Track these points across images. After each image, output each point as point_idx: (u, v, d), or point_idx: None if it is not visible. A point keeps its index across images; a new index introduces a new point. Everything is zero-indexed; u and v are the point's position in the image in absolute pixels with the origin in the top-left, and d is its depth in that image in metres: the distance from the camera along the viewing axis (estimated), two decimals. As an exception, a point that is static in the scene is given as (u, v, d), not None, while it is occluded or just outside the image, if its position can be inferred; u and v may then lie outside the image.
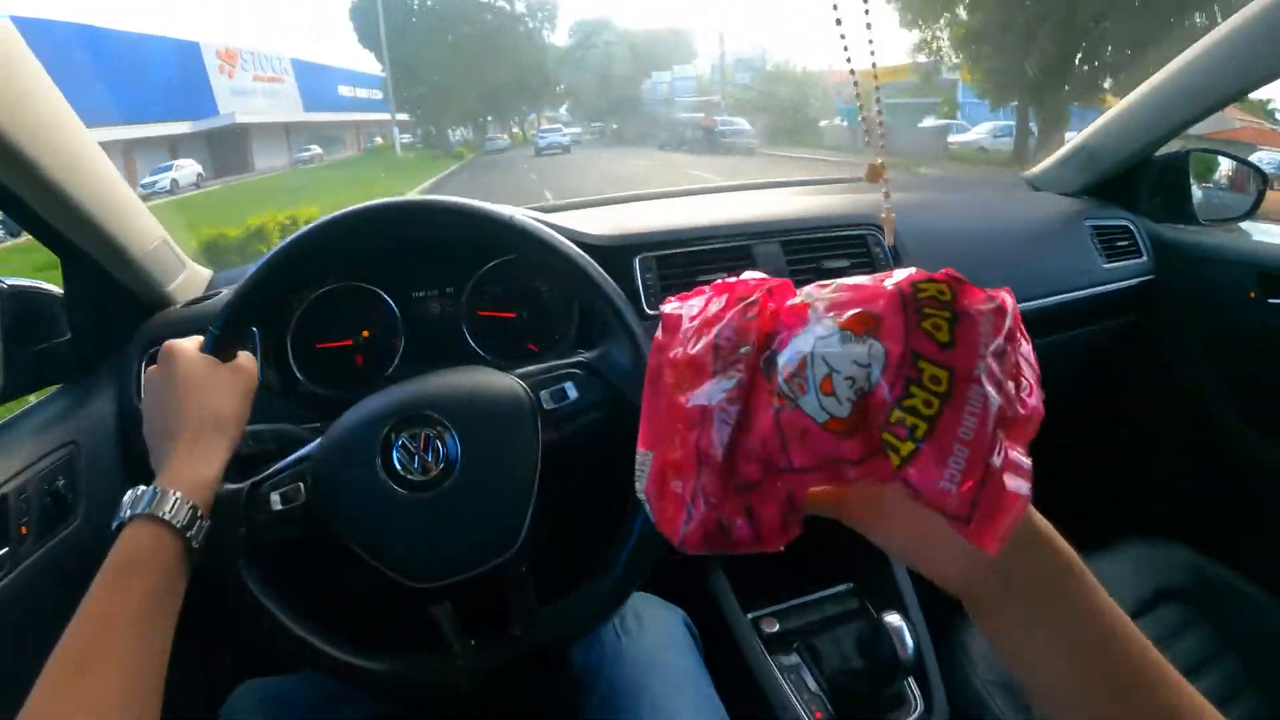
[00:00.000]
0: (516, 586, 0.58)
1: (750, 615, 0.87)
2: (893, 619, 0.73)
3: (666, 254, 0.84)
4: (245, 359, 0.61)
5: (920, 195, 1.07)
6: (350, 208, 0.62)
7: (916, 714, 0.83)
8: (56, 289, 0.84)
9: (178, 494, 0.50)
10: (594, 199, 0.95)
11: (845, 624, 0.87)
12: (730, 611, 0.84)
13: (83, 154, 0.74)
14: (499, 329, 0.85)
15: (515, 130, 28.30)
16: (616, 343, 0.61)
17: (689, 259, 0.84)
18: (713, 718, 0.67)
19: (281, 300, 0.80)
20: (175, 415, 0.54)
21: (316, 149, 20.19)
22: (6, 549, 0.66)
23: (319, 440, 0.58)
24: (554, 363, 0.62)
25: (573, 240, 0.64)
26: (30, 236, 0.78)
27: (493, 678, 0.60)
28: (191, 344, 0.59)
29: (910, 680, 0.85)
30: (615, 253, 0.83)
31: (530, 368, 0.62)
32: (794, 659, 0.85)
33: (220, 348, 0.58)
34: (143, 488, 0.50)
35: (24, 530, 0.68)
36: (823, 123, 21.99)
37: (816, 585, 0.91)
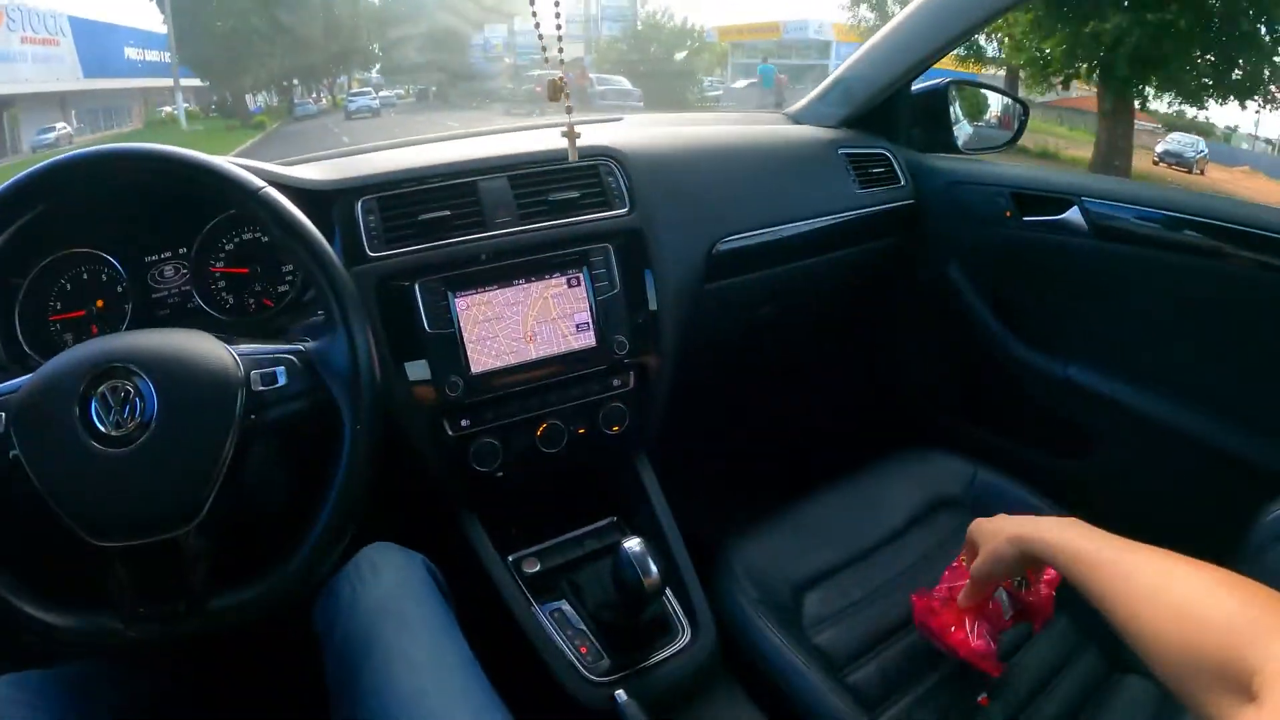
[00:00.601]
0: (190, 561, 0.56)
1: (512, 557, 0.86)
2: (631, 544, 0.73)
3: (389, 195, 0.82)
4: None
5: (665, 129, 1.08)
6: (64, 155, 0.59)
7: (684, 639, 0.83)
8: None
9: None
10: (330, 152, 0.92)
11: (605, 557, 0.87)
12: (484, 553, 0.83)
13: None
14: (234, 286, 0.84)
15: (325, 96, 24.94)
16: (337, 342, 0.60)
17: (412, 198, 0.82)
18: (450, 655, 0.66)
19: (3, 268, 0.76)
20: None
21: (64, 128, 16.51)
22: None
23: (28, 376, 0.57)
24: (272, 346, 0.62)
25: (290, 186, 0.63)
26: None
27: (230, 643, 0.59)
28: None
29: (675, 606, 0.85)
30: (336, 196, 0.81)
31: (252, 345, 0.61)
32: (558, 598, 0.84)
33: None
34: None
35: None
36: (708, 81, 20.52)
37: (579, 522, 0.91)
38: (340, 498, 0.59)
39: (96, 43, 19.36)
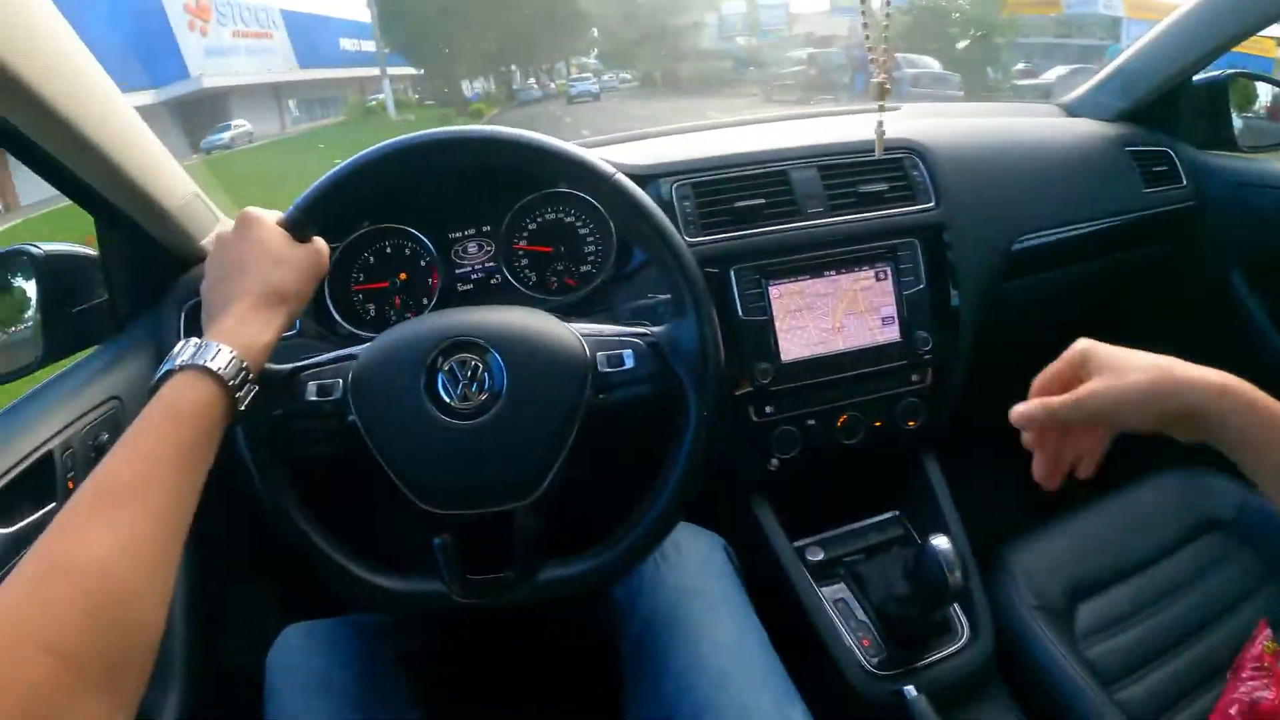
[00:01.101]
0: (524, 533, 0.57)
1: (796, 544, 0.87)
2: (940, 542, 0.72)
3: (702, 180, 0.83)
4: (320, 243, 0.59)
5: (957, 121, 1.04)
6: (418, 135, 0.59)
7: (963, 639, 0.83)
8: (91, 251, 0.84)
9: (231, 350, 0.48)
10: (626, 134, 0.94)
11: (890, 551, 0.87)
12: (775, 539, 0.84)
13: (111, 108, 0.73)
14: (537, 264, 0.86)
15: (543, 81, 24.03)
16: (684, 325, 0.60)
17: (725, 185, 0.83)
18: (752, 638, 0.67)
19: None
20: (241, 278, 0.53)
21: (243, 124, 15.82)
22: (55, 503, 0.66)
23: (367, 345, 0.59)
24: (616, 328, 0.62)
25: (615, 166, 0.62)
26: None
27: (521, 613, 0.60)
28: (270, 215, 0.57)
29: (956, 606, 0.85)
30: (650, 179, 0.82)
31: (592, 325, 0.61)
32: (839, 587, 0.85)
33: (299, 224, 0.57)
34: (194, 340, 0.48)
35: (70, 485, 0.69)
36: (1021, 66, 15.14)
37: (861, 514, 0.92)
38: (681, 481, 0.59)
39: (310, 34, 19.95)
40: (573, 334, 0.59)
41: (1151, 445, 1.18)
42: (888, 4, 0.79)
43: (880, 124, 0.77)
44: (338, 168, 0.58)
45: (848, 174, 0.86)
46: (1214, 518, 0.99)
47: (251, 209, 0.57)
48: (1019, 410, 0.56)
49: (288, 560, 0.57)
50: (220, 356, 0.47)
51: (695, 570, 0.72)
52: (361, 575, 0.56)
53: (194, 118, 16.38)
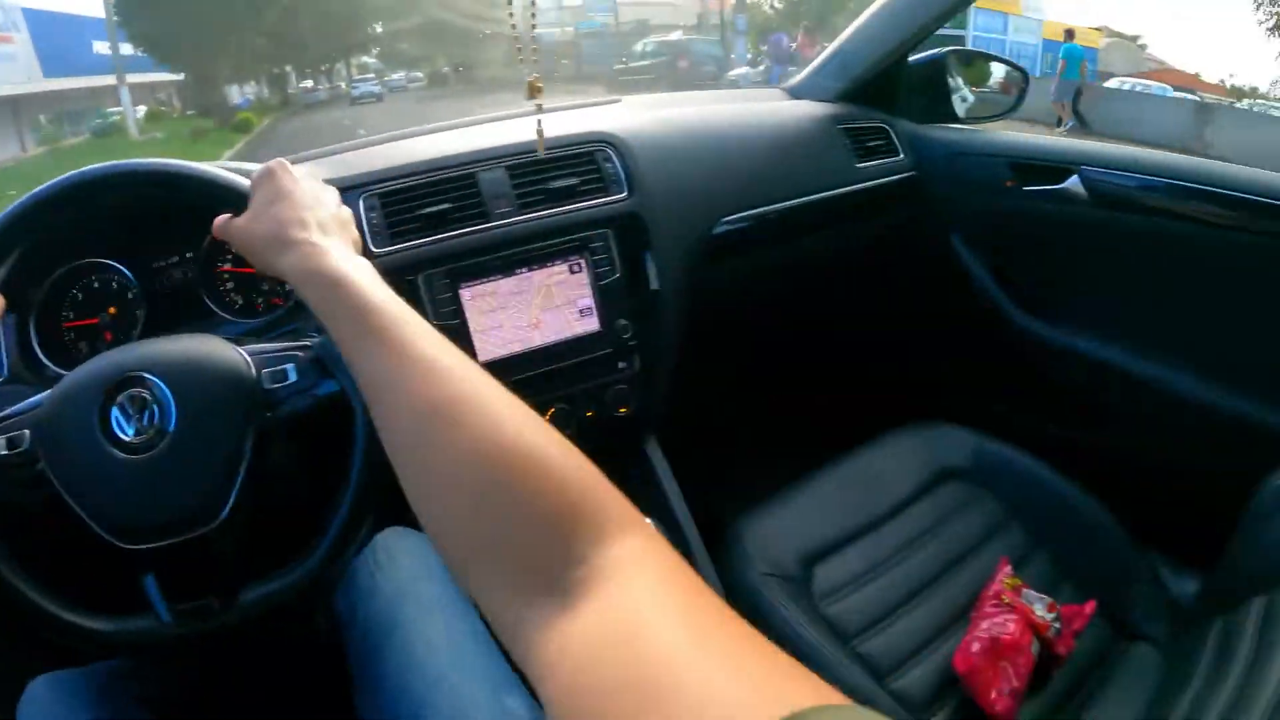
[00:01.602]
0: (218, 557, 0.59)
1: None
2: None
3: (390, 190, 0.83)
4: None
5: (663, 111, 1.07)
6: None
7: None
8: None
9: None
10: (329, 148, 0.93)
11: None
12: None
13: None
14: (242, 286, 0.85)
15: (324, 84, 21.81)
16: None
17: (413, 193, 0.83)
18: (470, 637, 0.67)
19: (18, 282, 0.78)
20: None
21: None
22: None
23: (49, 392, 0.59)
24: (281, 344, 0.63)
25: None
26: None
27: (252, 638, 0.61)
28: None
29: None
30: (343, 195, 0.81)
31: (258, 344, 0.63)
32: None
33: None
34: None
35: None
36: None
37: None
38: (357, 487, 0.60)
39: (58, 37, 16.02)
40: (238, 354, 0.60)
41: (892, 406, 1.26)
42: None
43: (539, 123, 0.78)
44: None
45: (537, 172, 0.87)
46: (950, 467, 1.04)
47: None
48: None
49: (20, 622, 0.57)
50: None
51: (409, 574, 0.72)
52: (71, 620, 0.57)
53: None
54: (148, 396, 0.57)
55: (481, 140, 0.89)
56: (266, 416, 0.59)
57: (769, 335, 1.32)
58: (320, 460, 0.66)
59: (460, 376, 0.43)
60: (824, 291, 1.29)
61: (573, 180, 0.87)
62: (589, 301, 0.86)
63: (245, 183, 0.61)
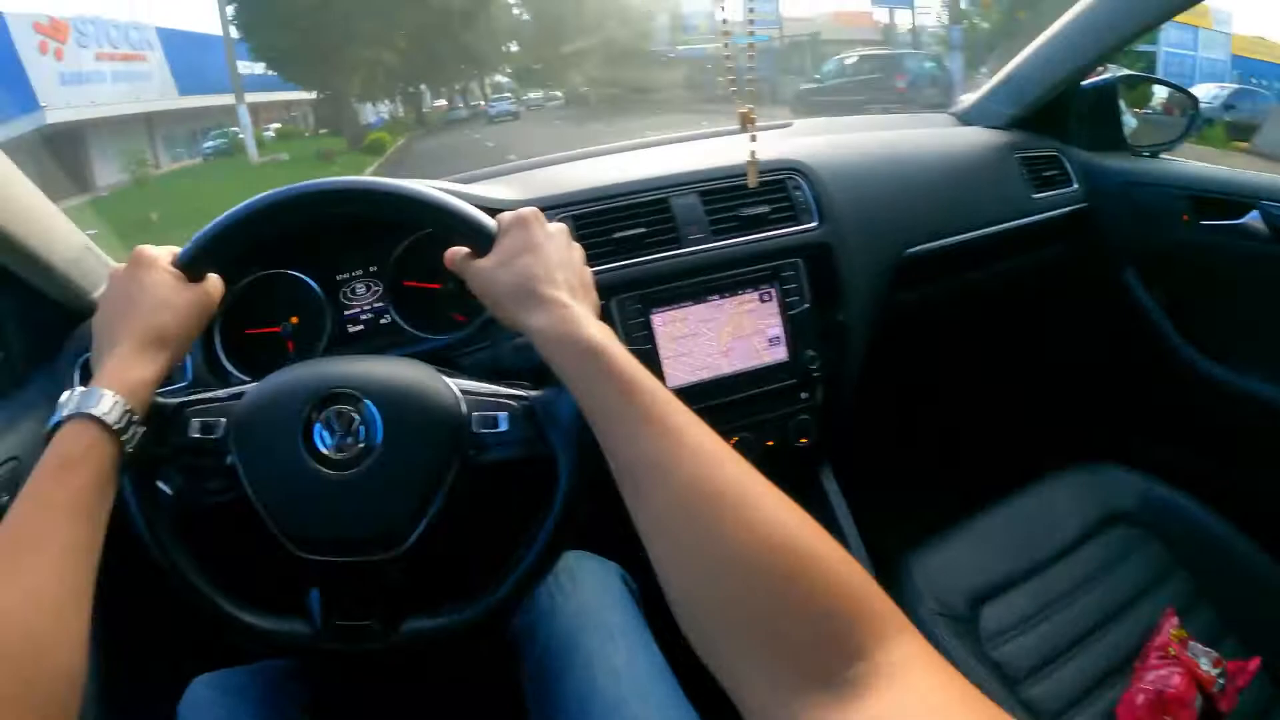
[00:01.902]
0: (390, 584, 0.59)
1: None
2: None
3: (582, 213, 0.84)
4: (213, 282, 0.60)
5: (842, 136, 1.07)
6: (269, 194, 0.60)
7: None
8: None
9: (115, 394, 0.49)
10: (507, 166, 0.95)
11: None
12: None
13: None
14: (425, 302, 0.86)
15: (464, 102, 21.15)
16: (563, 395, 0.59)
17: (606, 216, 0.84)
18: (650, 666, 0.68)
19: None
20: (126, 319, 0.54)
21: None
22: None
23: (252, 385, 0.59)
24: (494, 388, 0.62)
25: (486, 208, 0.62)
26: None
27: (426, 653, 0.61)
28: (164, 253, 0.58)
29: None
30: None
31: (471, 383, 0.61)
32: None
33: (190, 264, 0.58)
34: (80, 388, 0.49)
35: None
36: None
37: None
38: (546, 547, 0.59)
39: (193, 56, 15.90)
40: (450, 390, 0.59)
41: (1055, 444, 1.23)
42: (751, 23, 0.81)
43: (753, 154, 0.79)
44: (230, 213, 0.60)
45: (729, 198, 0.87)
46: (1117, 511, 1.01)
47: (144, 248, 0.58)
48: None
49: (183, 608, 0.57)
50: (104, 402, 0.48)
51: (591, 600, 0.73)
52: (229, 610, 0.57)
53: (47, 159, 12.85)
54: (355, 415, 0.57)
55: (672, 163, 0.89)
56: (469, 456, 0.58)
57: (941, 370, 1.30)
58: (507, 508, 0.65)
59: (727, 463, 0.43)
60: (993, 325, 1.27)
61: (764, 208, 0.88)
62: (778, 331, 0.86)
63: (493, 224, 0.60)
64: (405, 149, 14.51)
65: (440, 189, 0.64)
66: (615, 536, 0.86)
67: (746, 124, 0.79)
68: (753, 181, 0.81)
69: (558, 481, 0.58)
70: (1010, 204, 1.07)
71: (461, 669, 0.85)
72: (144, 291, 0.55)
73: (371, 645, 0.58)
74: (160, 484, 0.59)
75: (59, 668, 0.39)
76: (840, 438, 0.92)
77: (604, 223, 0.83)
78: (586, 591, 0.74)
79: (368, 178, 0.62)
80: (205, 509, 0.63)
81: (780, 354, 0.86)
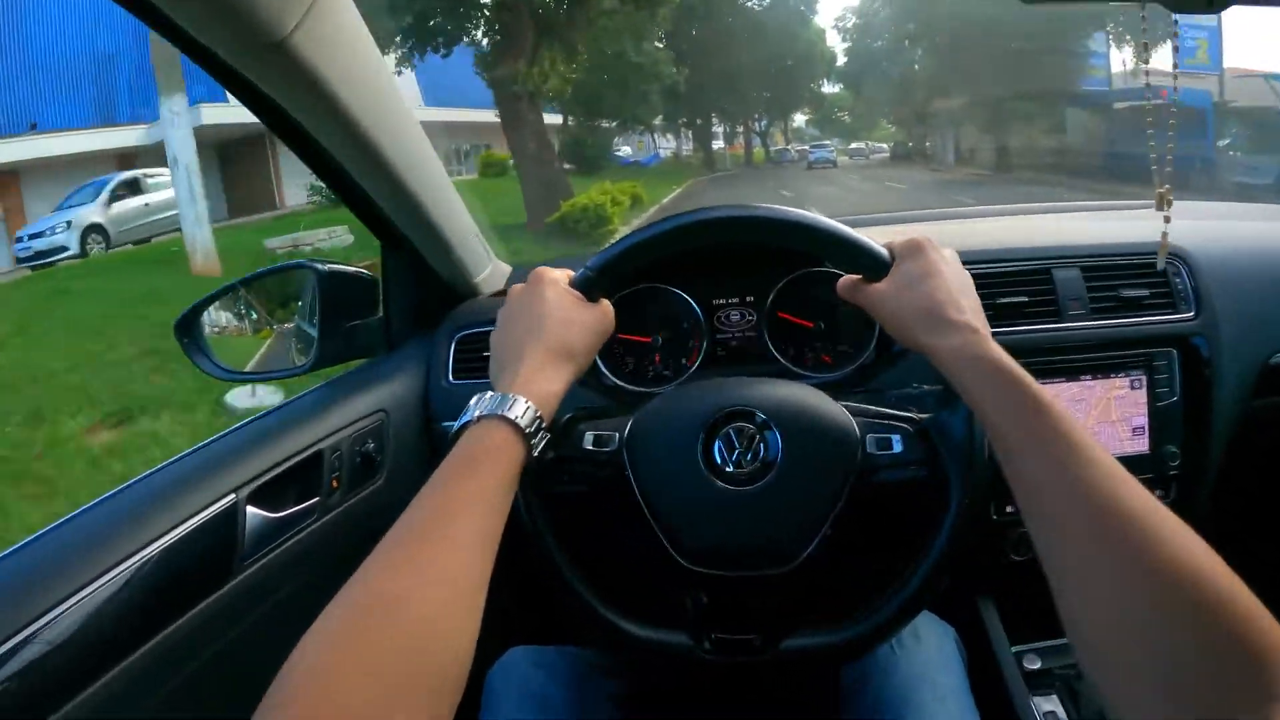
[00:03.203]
0: (772, 599, 0.60)
1: (1015, 649, 0.86)
2: None
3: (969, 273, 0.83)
4: (606, 305, 0.62)
5: (1223, 224, 1.00)
6: (720, 212, 0.62)
7: None
8: (368, 273, 0.92)
9: (528, 401, 0.51)
10: (876, 216, 0.95)
11: None
12: (997, 641, 0.84)
13: (415, 142, 0.78)
14: (797, 337, 0.87)
15: (768, 142, 19.62)
16: (956, 414, 0.59)
17: (989, 280, 0.83)
18: None
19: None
20: (534, 333, 0.57)
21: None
22: (318, 498, 0.73)
23: (650, 402, 0.62)
24: (887, 411, 0.63)
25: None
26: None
27: (743, 673, 0.62)
28: (562, 275, 0.61)
29: None
30: None
31: (862, 406, 0.63)
32: (1052, 699, 0.84)
33: (590, 285, 0.60)
34: (490, 393, 0.52)
35: (335, 484, 0.76)
36: None
37: None
38: (935, 568, 0.58)
39: (438, 68, 13.66)
40: (845, 413, 0.61)
41: None
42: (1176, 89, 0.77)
43: (1165, 235, 0.75)
44: (632, 237, 0.62)
45: (1111, 277, 0.84)
46: None
47: (544, 268, 0.61)
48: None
49: (518, 582, 0.60)
50: (517, 406, 0.51)
51: (929, 659, 0.73)
52: (609, 617, 0.59)
53: (232, 171, 14.06)
54: (755, 434, 0.58)
55: (1059, 233, 0.87)
56: (864, 476, 0.59)
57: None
58: (897, 532, 0.65)
59: (1136, 488, 0.42)
60: None
61: (1143, 291, 0.84)
62: (1143, 421, 0.83)
63: (885, 252, 0.60)
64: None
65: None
66: (948, 601, 0.85)
67: (1162, 204, 0.76)
68: (1161, 263, 0.78)
69: (948, 507, 0.58)
70: None
71: (778, 703, 0.85)
72: (549, 307, 0.58)
73: (750, 659, 0.60)
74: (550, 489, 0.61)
75: (454, 652, 0.41)
76: None
77: (986, 287, 0.82)
78: (926, 650, 0.74)
79: (768, 206, 0.63)
80: (590, 518, 0.65)
81: (1142, 445, 0.83)
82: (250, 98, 0.64)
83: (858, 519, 0.60)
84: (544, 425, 0.52)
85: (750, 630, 0.60)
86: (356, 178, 0.76)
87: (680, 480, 0.58)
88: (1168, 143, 0.74)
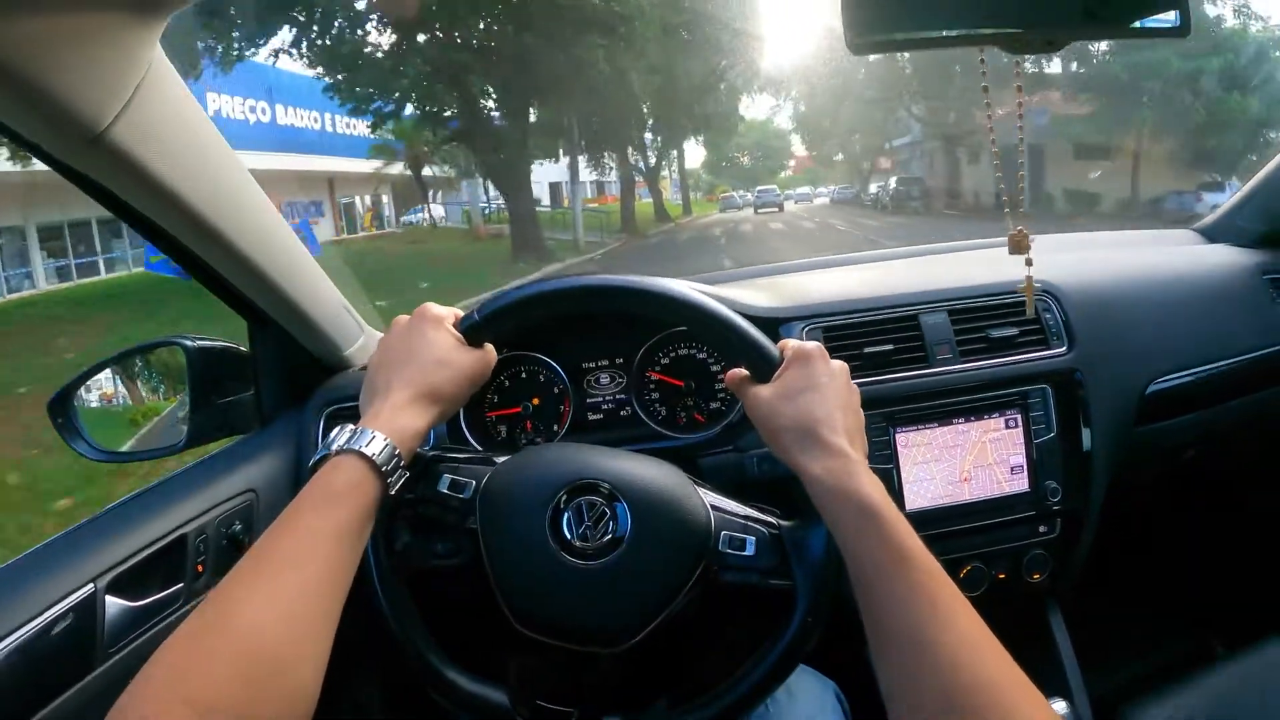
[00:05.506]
0: (601, 679, 0.59)
1: None
2: (1056, 705, 0.70)
3: (833, 324, 0.83)
4: (489, 351, 0.61)
5: (1088, 255, 1.01)
6: (587, 280, 0.62)
7: None
8: (241, 348, 0.89)
9: (385, 437, 0.51)
10: (751, 269, 0.94)
11: None
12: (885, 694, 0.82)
13: (263, 220, 0.76)
14: (667, 397, 0.86)
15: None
16: (815, 531, 0.58)
17: (855, 330, 0.83)
18: None
19: None
20: (404, 368, 0.56)
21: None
22: (182, 584, 0.71)
23: (507, 458, 0.60)
24: (745, 510, 0.61)
25: (739, 311, 0.61)
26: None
27: None
28: (449, 314, 0.60)
29: None
30: (781, 323, 0.82)
31: (722, 499, 0.61)
32: None
33: (475, 331, 0.59)
34: (350, 426, 0.51)
35: (200, 569, 0.73)
36: None
37: None
38: (768, 677, 0.57)
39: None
40: (703, 503, 0.59)
41: None
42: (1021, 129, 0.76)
43: (1028, 278, 0.75)
44: (529, 289, 0.61)
45: (979, 318, 0.84)
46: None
47: (431, 305, 0.60)
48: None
49: (389, 656, 0.58)
50: (375, 443, 0.50)
51: (804, 717, 0.72)
52: (436, 664, 0.58)
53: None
54: (606, 509, 0.56)
55: (922, 278, 0.87)
56: (710, 571, 0.57)
57: (1178, 507, 1.21)
58: (732, 625, 0.64)
59: (990, 655, 0.42)
60: (1242, 465, 1.19)
61: (1013, 330, 0.84)
62: (1021, 460, 0.83)
63: (776, 353, 0.59)
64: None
65: (703, 290, 0.64)
66: (835, 652, 0.84)
67: (1019, 248, 0.75)
68: (1030, 310, 0.78)
69: (793, 615, 0.57)
70: (1261, 331, 0.99)
71: None
72: (427, 346, 0.57)
73: None
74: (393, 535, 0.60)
75: (297, 686, 0.40)
76: (1072, 575, 0.87)
77: (852, 336, 0.82)
78: (802, 707, 0.73)
79: (662, 280, 0.62)
80: (428, 567, 0.63)
81: (1021, 484, 0.83)
82: (86, 185, 0.62)
83: (701, 609, 0.58)
84: (402, 463, 0.52)
85: (573, 703, 0.59)
86: (208, 260, 0.73)
87: (526, 544, 0.56)
88: (1018, 184, 0.74)
